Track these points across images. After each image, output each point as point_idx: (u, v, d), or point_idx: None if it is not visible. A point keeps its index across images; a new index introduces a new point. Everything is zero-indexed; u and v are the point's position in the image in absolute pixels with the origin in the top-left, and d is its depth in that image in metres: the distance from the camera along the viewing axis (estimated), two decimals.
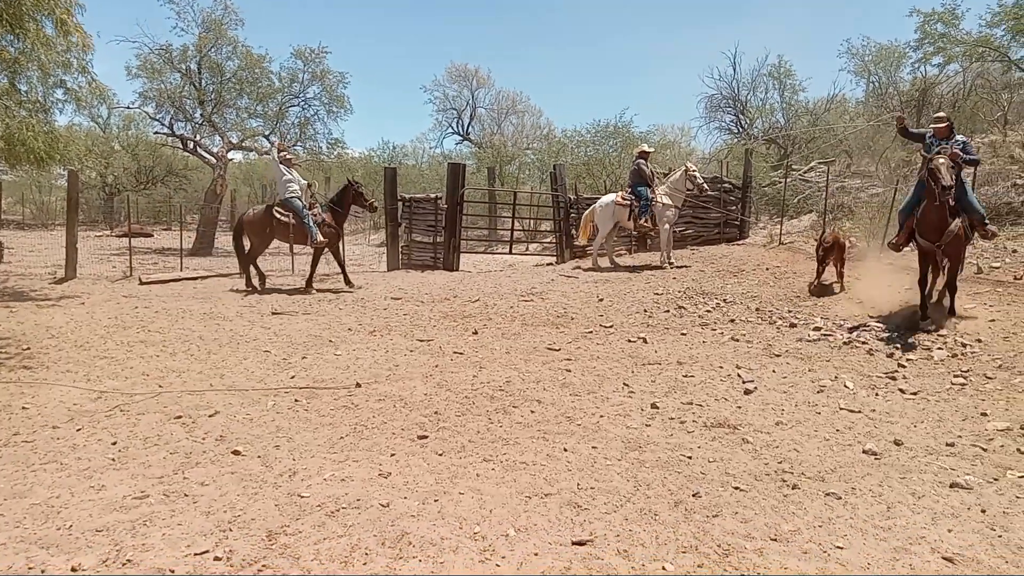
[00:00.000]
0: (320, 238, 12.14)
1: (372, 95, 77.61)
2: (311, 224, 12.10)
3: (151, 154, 32.06)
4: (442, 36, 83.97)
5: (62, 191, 29.49)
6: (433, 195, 17.24)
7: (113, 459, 4.46)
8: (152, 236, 28.20)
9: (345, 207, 12.83)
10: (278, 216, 12.17)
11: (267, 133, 24.43)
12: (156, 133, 25.92)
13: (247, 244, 12.64)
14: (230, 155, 24.60)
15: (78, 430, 5.03)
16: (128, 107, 24.26)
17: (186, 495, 3.93)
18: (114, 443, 4.74)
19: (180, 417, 5.30)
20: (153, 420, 5.23)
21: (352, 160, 33.03)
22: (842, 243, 10.71)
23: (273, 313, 9.99)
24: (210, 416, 5.33)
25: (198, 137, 24.03)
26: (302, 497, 3.89)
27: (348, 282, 12.70)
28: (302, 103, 24.46)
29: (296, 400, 5.80)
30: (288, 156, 12.99)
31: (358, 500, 3.86)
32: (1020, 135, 17.68)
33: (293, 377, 6.56)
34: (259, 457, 4.52)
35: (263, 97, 23.57)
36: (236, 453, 4.56)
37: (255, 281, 12.60)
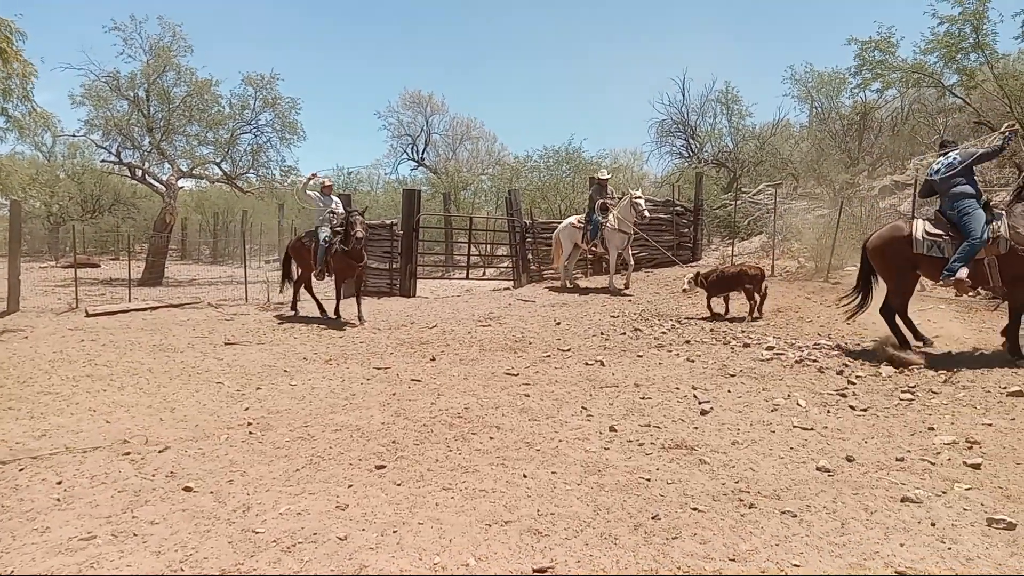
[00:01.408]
0: (319, 270, 12.12)
1: (326, 121, 77.35)
2: (321, 253, 11.95)
3: (98, 183, 31.40)
4: (395, 62, 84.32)
5: (4, 221, 28.61)
6: (388, 221, 17.19)
7: (58, 499, 4.30)
8: (99, 266, 27.52)
9: (348, 237, 11.62)
10: (305, 243, 12.50)
11: (218, 160, 24.11)
12: (103, 161, 25.37)
13: (296, 271, 13.23)
14: (180, 183, 24.18)
15: (20, 470, 4.84)
16: (73, 135, 23.80)
17: (135, 535, 3.80)
18: (59, 482, 4.57)
19: (129, 453, 5.14)
20: (100, 457, 5.07)
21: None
22: (751, 274, 10.66)
23: (226, 343, 9.80)
24: (160, 452, 5.18)
25: (146, 165, 23.58)
26: (256, 533, 3.80)
27: (336, 314, 12.17)
28: (254, 130, 24.21)
29: (251, 432, 5.69)
30: (326, 183, 12.73)
31: (315, 534, 3.78)
32: None
33: (247, 409, 6.43)
34: (212, 493, 4.41)
35: (213, 124, 23.26)
36: (187, 489, 4.44)
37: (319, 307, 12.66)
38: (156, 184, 23.76)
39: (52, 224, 33.55)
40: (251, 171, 24.65)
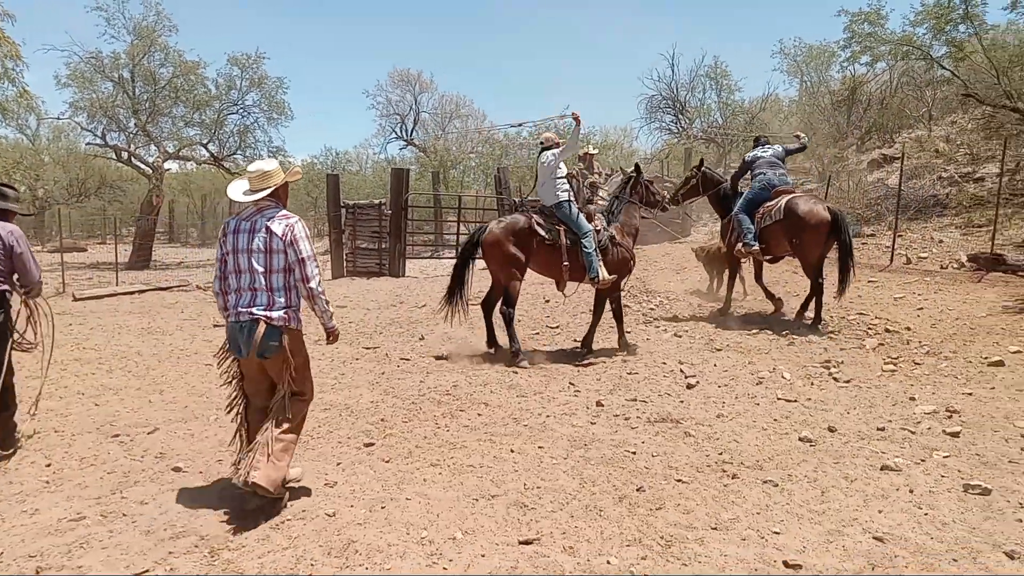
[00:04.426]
0: (606, 275, 7.52)
1: (313, 101, 76.68)
2: (593, 249, 7.49)
3: (83, 166, 31.04)
4: (383, 41, 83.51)
5: None
6: (377, 201, 17.15)
7: (47, 481, 4.32)
8: (86, 251, 27.43)
9: (633, 214, 8.12)
10: (541, 232, 7.55)
11: (205, 142, 23.92)
12: (88, 144, 25.14)
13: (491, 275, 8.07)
14: (166, 165, 24.01)
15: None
16: (58, 118, 23.51)
17: (125, 515, 3.84)
18: (48, 465, 4.59)
19: (117, 436, 5.16)
20: (89, 440, 5.09)
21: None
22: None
23: (216, 325, 9.79)
24: (149, 433, 5.21)
25: (132, 147, 23.39)
26: (246, 511, 3.84)
27: (624, 345, 7.82)
28: (241, 110, 24.02)
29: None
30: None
31: (303, 511, 3.83)
32: (944, 130, 18.46)
33: None
34: (201, 473, 4.44)
35: (200, 105, 23.06)
36: (177, 470, 4.47)
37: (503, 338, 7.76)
38: (142, 166, 23.58)
39: (37, 208, 33.24)
40: (239, 152, 24.48)
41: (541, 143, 7.93)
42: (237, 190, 4.07)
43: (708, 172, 9.95)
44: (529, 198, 17.61)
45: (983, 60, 16.44)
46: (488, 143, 32.80)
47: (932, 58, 17.67)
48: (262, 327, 3.83)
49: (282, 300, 3.92)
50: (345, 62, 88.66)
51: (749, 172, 9.51)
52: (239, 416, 4.14)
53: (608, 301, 7.85)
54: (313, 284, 3.96)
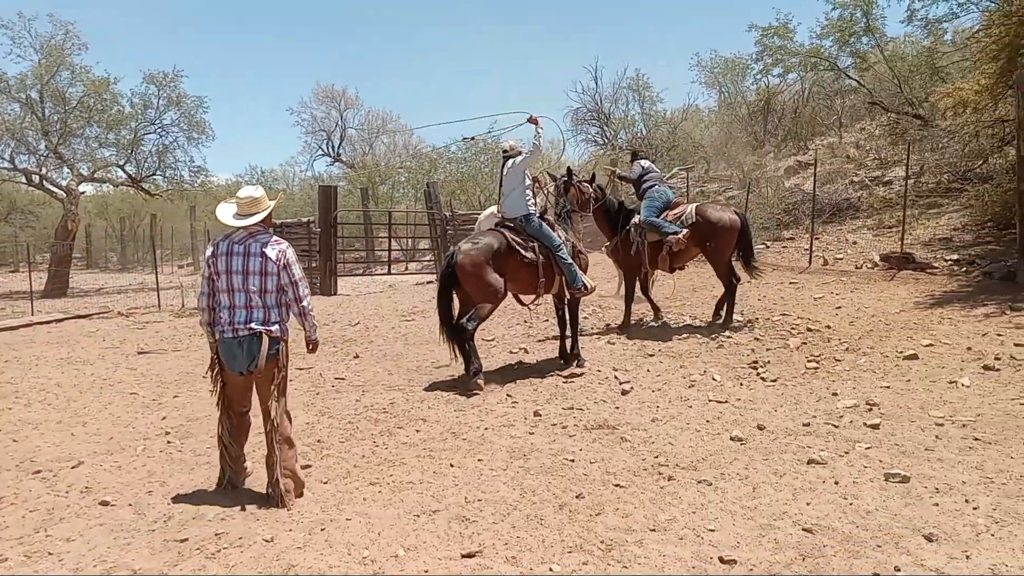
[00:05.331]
0: (590, 283, 7.57)
1: (236, 120, 75.08)
2: (571, 260, 7.42)
3: None
4: (306, 58, 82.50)
5: None
6: (305, 219, 16.91)
7: None
8: None
9: (576, 219, 8.30)
10: (521, 251, 7.19)
11: (121, 163, 23.10)
12: None
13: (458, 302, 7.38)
14: (81, 188, 23.05)
15: None
16: None
17: (50, 554, 3.67)
18: None
19: (39, 472, 4.93)
20: (8, 478, 4.85)
21: (217, 188, 31.72)
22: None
23: (139, 353, 9.46)
24: (73, 467, 5.00)
25: (44, 170, 22.39)
26: (180, 541, 3.73)
27: (574, 357, 7.65)
28: (159, 130, 23.27)
29: (169, 442, 5.54)
30: (519, 146, 7.55)
31: (240, 538, 3.74)
32: (854, 137, 19.38)
33: (164, 418, 6.26)
34: (130, 505, 4.29)
35: (114, 124, 22.24)
36: (104, 504, 4.30)
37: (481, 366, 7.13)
38: (55, 190, 22.61)
39: None
40: (158, 173, 23.73)
41: (504, 151, 7.60)
42: (227, 214, 4.43)
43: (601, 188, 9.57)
44: (459, 212, 17.70)
45: (885, 70, 17.40)
46: (417, 158, 32.70)
47: (839, 69, 18.61)
48: (266, 340, 4.30)
49: (276, 315, 4.39)
50: (267, 79, 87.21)
51: (638, 184, 9.56)
52: (221, 427, 4.59)
53: (567, 308, 7.71)
54: (305, 303, 4.48)
